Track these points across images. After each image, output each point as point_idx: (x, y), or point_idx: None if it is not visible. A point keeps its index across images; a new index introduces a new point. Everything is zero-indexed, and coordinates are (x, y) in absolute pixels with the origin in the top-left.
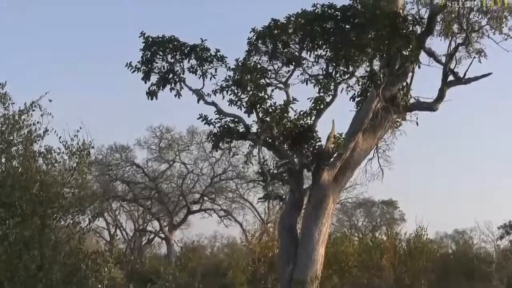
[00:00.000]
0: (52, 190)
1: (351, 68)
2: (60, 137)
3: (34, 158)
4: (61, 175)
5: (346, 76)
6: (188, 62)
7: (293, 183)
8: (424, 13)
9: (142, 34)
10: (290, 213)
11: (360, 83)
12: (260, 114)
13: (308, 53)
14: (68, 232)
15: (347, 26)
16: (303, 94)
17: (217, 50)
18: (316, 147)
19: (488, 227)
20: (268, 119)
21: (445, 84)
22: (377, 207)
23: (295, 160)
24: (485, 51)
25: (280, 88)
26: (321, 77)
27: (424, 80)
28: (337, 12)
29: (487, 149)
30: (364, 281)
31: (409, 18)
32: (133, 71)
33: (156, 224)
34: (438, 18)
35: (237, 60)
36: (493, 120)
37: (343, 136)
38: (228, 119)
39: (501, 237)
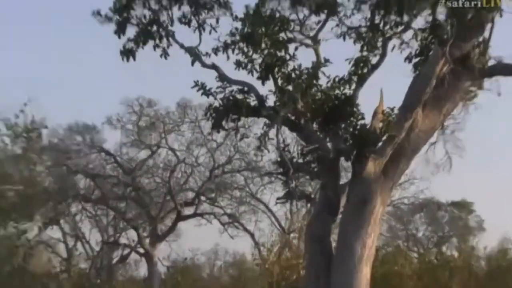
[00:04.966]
0: None
1: (406, 18)
2: None
3: None
4: (1, 165)
5: (399, 29)
6: (179, 9)
7: (325, 177)
8: None
9: None
10: (321, 219)
11: (419, 38)
12: (280, 82)
13: None
14: (10, 245)
15: None
16: (339, 54)
17: None
18: (358, 126)
19: None
20: (290, 88)
21: None
22: (445, 210)
23: (328, 145)
24: None
25: (307, 45)
26: (364, 29)
27: (508, 34)
28: None
29: None
30: None
31: None
32: (103, 23)
33: (133, 234)
34: None
35: (247, 7)
36: None
37: (396, 111)
38: (234, 88)
39: None
